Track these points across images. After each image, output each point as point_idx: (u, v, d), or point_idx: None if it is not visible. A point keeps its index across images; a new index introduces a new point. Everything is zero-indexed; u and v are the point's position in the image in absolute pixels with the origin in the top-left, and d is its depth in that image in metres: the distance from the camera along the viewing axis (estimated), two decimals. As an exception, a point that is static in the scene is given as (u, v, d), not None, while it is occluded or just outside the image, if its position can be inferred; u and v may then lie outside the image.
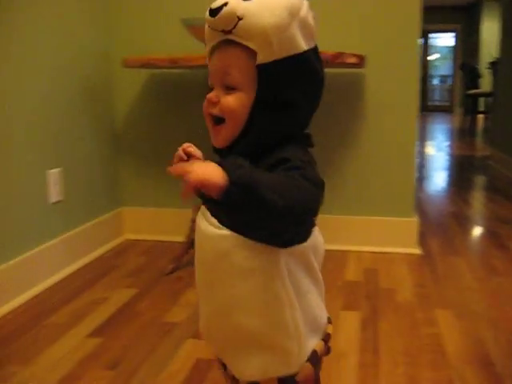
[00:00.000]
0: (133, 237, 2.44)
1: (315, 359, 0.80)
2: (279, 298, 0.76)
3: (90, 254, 2.20)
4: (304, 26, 0.75)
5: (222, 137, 0.78)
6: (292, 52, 0.74)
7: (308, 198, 0.69)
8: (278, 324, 0.76)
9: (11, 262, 1.74)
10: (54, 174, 1.98)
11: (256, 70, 0.74)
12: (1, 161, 1.70)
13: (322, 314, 0.85)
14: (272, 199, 0.64)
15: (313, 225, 0.82)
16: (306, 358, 0.79)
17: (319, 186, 0.72)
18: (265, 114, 0.75)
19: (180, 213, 2.23)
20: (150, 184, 2.41)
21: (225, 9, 0.72)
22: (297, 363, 0.78)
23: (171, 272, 2.02)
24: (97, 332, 1.57)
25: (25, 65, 1.80)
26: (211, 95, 0.77)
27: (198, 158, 0.84)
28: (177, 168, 0.66)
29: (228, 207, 0.66)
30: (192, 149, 0.85)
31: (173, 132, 2.35)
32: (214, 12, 0.73)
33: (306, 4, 0.77)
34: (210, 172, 0.64)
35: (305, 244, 0.79)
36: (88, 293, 1.85)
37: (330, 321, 0.87)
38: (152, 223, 2.42)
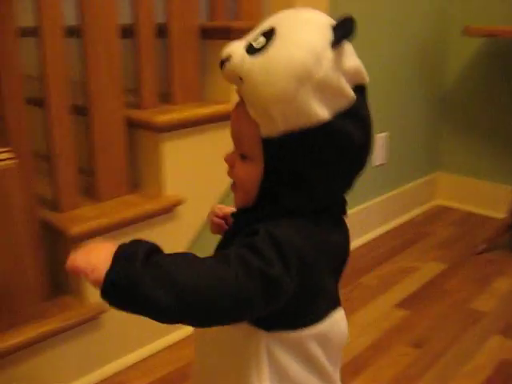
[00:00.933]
0: (445, 203, 2.42)
1: None
2: (249, 380, 0.66)
3: (402, 216, 2.28)
4: (324, 87, 0.58)
5: (236, 200, 0.69)
6: (303, 124, 0.59)
7: (226, 293, 0.55)
8: None
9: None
10: (381, 138, 2.08)
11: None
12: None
13: None
14: (155, 295, 0.53)
15: (317, 309, 0.67)
16: None
17: (266, 280, 0.56)
18: (275, 188, 0.63)
19: (500, 188, 2.14)
20: (472, 152, 2.33)
21: (227, 66, 0.61)
22: None
23: (481, 252, 1.97)
24: (404, 303, 1.65)
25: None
26: (227, 158, 0.67)
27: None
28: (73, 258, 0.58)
29: (107, 297, 0.56)
30: (227, 209, 0.78)
31: (503, 104, 2.21)
32: (220, 64, 0.62)
33: (327, 58, 0.58)
34: (92, 266, 0.56)
35: (302, 332, 0.66)
36: (397, 259, 1.94)
37: None
38: (468, 193, 2.36)
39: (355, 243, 2.03)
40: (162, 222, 1.36)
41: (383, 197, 2.16)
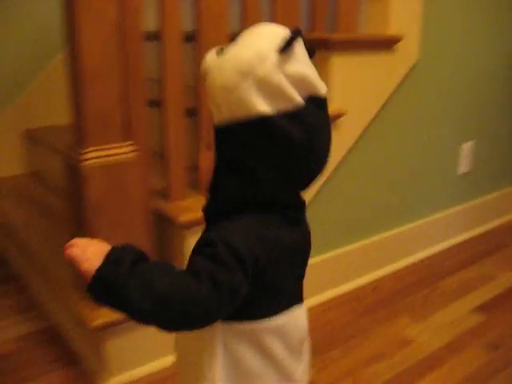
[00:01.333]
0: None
1: None
2: (201, 371, 0.72)
3: (484, 225, 2.30)
4: (264, 84, 0.64)
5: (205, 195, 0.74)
6: (245, 115, 0.65)
7: (188, 301, 0.61)
8: None
9: (413, 224, 1.99)
10: (467, 146, 2.12)
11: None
12: (419, 133, 1.92)
13: None
14: (134, 299, 0.61)
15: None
16: None
17: (230, 290, 0.63)
18: (224, 178, 0.69)
19: None
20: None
21: (203, 62, 0.70)
22: None
23: None
24: (481, 308, 1.69)
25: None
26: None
27: None
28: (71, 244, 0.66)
29: (94, 296, 0.63)
30: None
31: None
32: None
33: (271, 60, 0.64)
34: (87, 257, 0.63)
35: (255, 323, 0.70)
36: (477, 266, 1.98)
37: None
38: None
39: (436, 248, 2.08)
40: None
41: (466, 205, 2.20)
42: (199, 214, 1.23)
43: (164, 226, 1.41)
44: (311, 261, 0.79)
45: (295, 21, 1.49)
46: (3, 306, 1.68)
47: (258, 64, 0.64)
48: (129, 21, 1.20)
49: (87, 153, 1.19)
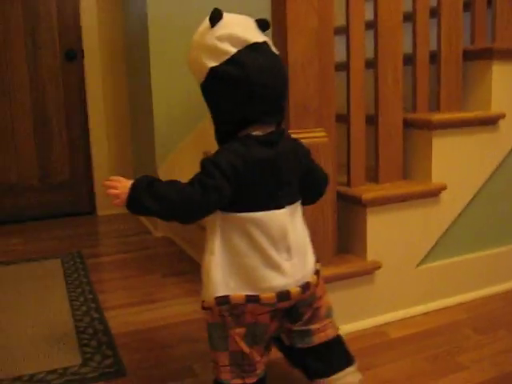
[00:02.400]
0: None
1: (224, 300, 1.05)
2: (208, 246, 1.07)
3: None
4: (206, 49, 1.02)
5: None
6: (205, 72, 1.03)
7: (182, 201, 1.00)
8: (203, 262, 1.08)
9: None
10: None
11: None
12: None
13: (262, 282, 1.04)
14: (151, 207, 1.01)
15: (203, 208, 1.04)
16: (215, 295, 1.05)
17: (208, 188, 0.99)
18: (213, 121, 1.08)
19: None
20: None
21: None
22: (206, 293, 1.07)
23: None
24: None
25: None
26: None
27: None
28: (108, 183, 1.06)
29: (130, 209, 1.04)
30: None
31: None
32: None
33: (203, 32, 1.03)
34: (120, 191, 1.04)
35: (240, 215, 1.03)
36: None
37: (276, 292, 1.05)
38: None
39: None
40: (426, 204, 1.66)
41: None
42: (379, 194, 1.45)
43: (346, 206, 1.62)
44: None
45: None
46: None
47: (200, 39, 1.04)
48: (325, 28, 1.47)
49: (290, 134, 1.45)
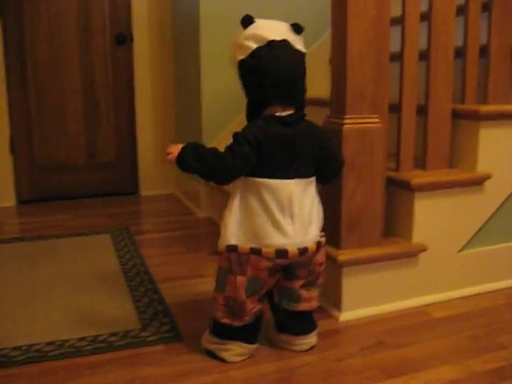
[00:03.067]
0: None
1: (233, 248, 1.28)
2: (229, 203, 1.30)
3: None
4: (238, 46, 1.28)
5: None
6: (236, 63, 1.29)
7: (217, 164, 1.23)
8: (223, 216, 1.31)
9: None
10: None
11: None
12: None
13: (266, 239, 1.26)
14: (194, 165, 1.25)
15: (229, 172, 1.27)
16: (227, 243, 1.28)
17: (238, 154, 1.22)
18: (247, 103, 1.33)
19: None
20: None
21: None
22: (221, 241, 1.30)
23: None
24: None
25: None
26: None
27: None
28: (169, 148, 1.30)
29: (180, 168, 1.28)
30: None
31: None
32: None
33: (238, 33, 1.28)
34: (174, 154, 1.27)
35: (257, 179, 1.26)
36: None
37: (276, 250, 1.26)
38: None
39: None
40: (471, 192, 1.73)
41: None
42: (427, 180, 1.51)
43: (394, 190, 1.69)
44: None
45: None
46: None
47: (235, 38, 1.30)
48: (382, 19, 1.54)
49: (346, 119, 1.53)
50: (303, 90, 1.31)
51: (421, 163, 1.75)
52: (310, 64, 2.35)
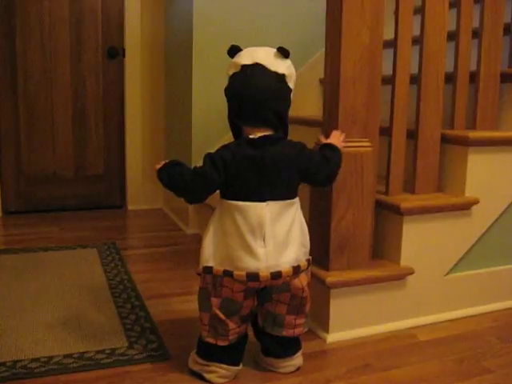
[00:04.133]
0: None
1: (209, 269, 1.31)
2: (208, 224, 1.34)
3: None
4: (228, 66, 1.34)
5: None
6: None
7: (180, 182, 1.30)
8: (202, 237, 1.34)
9: None
10: None
11: None
12: None
13: (237, 261, 1.27)
14: (164, 180, 1.32)
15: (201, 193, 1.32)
16: (204, 264, 1.31)
17: (198, 174, 1.28)
18: None
19: None
20: None
21: None
22: (200, 262, 1.33)
23: None
24: None
25: None
26: None
27: None
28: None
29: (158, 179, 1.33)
30: None
31: None
32: None
33: (230, 65, 1.35)
34: (162, 163, 1.34)
35: (229, 201, 1.28)
36: None
37: (249, 275, 1.26)
38: None
39: None
40: (458, 217, 1.75)
41: None
42: (416, 204, 1.53)
43: (383, 213, 1.71)
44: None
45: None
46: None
47: (229, 69, 1.34)
48: (375, 44, 1.57)
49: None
50: (279, 111, 1.30)
51: (409, 187, 1.77)
52: (300, 83, 2.39)
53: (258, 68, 1.28)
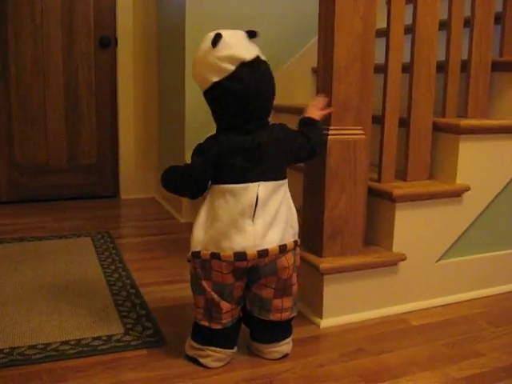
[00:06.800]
0: None
1: (197, 254, 1.34)
2: (199, 211, 1.36)
3: None
4: (210, 66, 1.26)
5: None
6: (208, 84, 1.29)
7: (176, 179, 1.37)
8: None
9: None
10: None
11: None
12: None
13: (225, 242, 1.30)
14: (163, 183, 1.39)
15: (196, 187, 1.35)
16: (193, 249, 1.35)
17: (189, 168, 1.32)
18: (212, 115, 1.36)
19: None
20: None
21: None
22: (192, 246, 1.35)
23: None
24: None
25: None
26: None
27: None
28: None
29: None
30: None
31: None
32: None
33: (206, 51, 1.27)
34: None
35: (221, 186, 1.30)
36: None
37: (237, 256, 1.30)
38: None
39: None
40: (449, 204, 1.77)
41: None
42: (408, 191, 1.55)
43: (375, 200, 1.73)
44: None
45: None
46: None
47: (203, 56, 1.28)
48: (368, 33, 1.58)
49: (330, 130, 1.57)
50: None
51: (401, 174, 1.79)
52: (293, 72, 2.43)
53: (262, 62, 1.30)
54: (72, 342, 1.52)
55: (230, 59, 1.25)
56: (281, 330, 1.44)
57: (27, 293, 1.85)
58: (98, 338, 1.55)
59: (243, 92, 1.26)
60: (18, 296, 1.82)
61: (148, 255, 2.31)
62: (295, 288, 1.42)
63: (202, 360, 1.40)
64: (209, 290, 1.33)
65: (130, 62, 3.26)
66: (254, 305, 1.41)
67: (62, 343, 1.51)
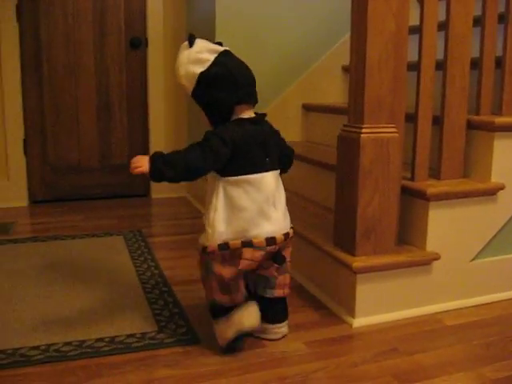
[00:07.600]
0: None
1: (225, 246, 1.36)
2: (212, 202, 1.38)
3: None
4: (192, 61, 1.37)
5: None
6: (194, 77, 1.38)
7: (190, 163, 1.32)
8: (207, 216, 1.40)
9: None
10: None
11: None
12: None
13: (255, 230, 1.36)
14: (168, 175, 1.32)
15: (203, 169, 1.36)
16: (218, 242, 1.36)
17: (208, 147, 1.32)
18: (208, 114, 1.43)
19: None
20: None
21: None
22: (211, 241, 1.37)
23: None
24: None
25: None
26: None
27: None
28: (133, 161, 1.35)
29: (154, 179, 1.35)
30: None
31: None
32: None
33: (185, 52, 1.39)
34: (143, 167, 1.31)
35: (239, 177, 1.35)
36: None
37: (267, 242, 1.37)
38: None
39: None
40: (484, 202, 1.75)
41: None
42: (442, 190, 1.53)
43: (408, 199, 1.72)
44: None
45: None
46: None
47: (184, 57, 1.39)
48: (400, 31, 1.57)
49: (364, 128, 1.56)
50: None
51: (435, 173, 1.77)
52: (323, 71, 2.40)
53: (232, 52, 1.44)
54: (106, 339, 1.54)
55: (209, 50, 1.38)
56: (283, 310, 1.54)
57: (61, 290, 1.89)
58: (132, 335, 1.57)
59: (229, 74, 1.36)
60: (52, 293, 1.86)
61: (179, 254, 2.33)
62: (290, 265, 1.52)
63: (238, 327, 1.42)
64: (227, 277, 1.39)
65: (161, 62, 3.29)
66: (259, 284, 1.50)
67: (97, 340, 1.53)
